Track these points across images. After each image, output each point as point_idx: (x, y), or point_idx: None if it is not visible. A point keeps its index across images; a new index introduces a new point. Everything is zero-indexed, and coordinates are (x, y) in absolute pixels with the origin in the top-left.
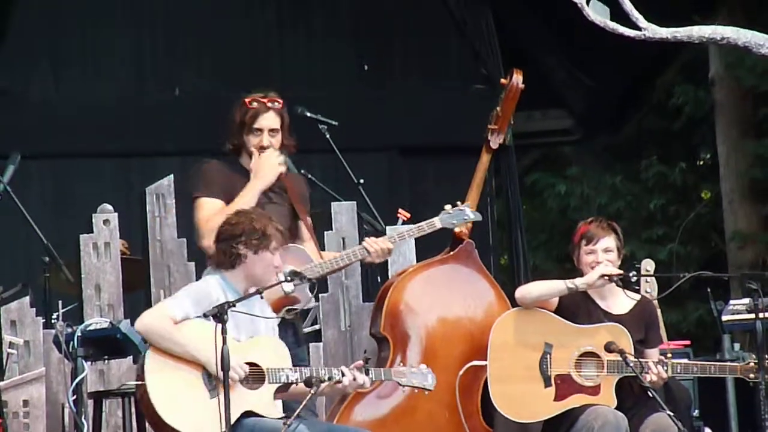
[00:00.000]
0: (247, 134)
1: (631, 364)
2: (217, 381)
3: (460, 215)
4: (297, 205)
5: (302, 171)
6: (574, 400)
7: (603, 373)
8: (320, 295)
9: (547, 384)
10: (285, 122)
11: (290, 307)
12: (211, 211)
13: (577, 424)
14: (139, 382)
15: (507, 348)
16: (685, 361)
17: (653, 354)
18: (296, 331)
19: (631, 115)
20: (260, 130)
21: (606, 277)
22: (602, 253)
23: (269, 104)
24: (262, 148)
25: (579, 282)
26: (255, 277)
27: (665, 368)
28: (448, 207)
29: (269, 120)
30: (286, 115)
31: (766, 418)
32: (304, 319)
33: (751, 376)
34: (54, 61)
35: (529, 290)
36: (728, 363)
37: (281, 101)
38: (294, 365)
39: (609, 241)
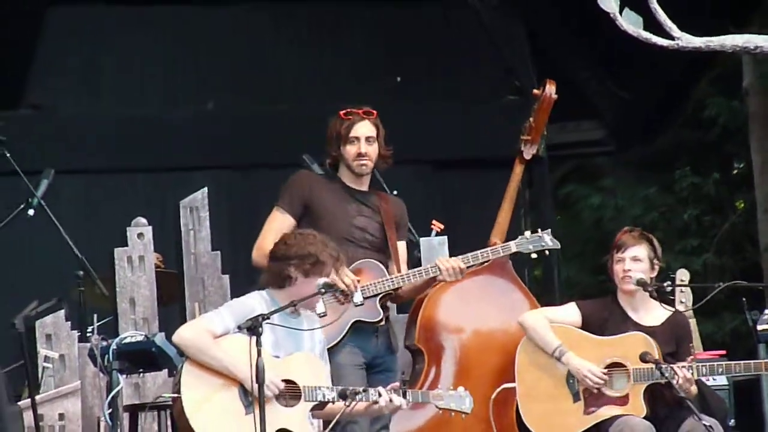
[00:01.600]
0: (344, 145)
1: (667, 373)
2: (253, 397)
3: (538, 242)
4: (387, 225)
5: (395, 192)
6: (604, 412)
7: (630, 382)
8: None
9: (576, 399)
10: (380, 132)
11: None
12: (274, 226)
13: None
14: (175, 395)
15: (533, 366)
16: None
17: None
18: (389, 340)
19: (665, 127)
20: (357, 138)
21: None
22: (630, 262)
23: (364, 114)
24: (359, 156)
25: (566, 360)
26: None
27: (690, 371)
28: (527, 233)
29: (365, 128)
30: (381, 125)
31: None
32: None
33: None
34: (85, 78)
35: (530, 325)
36: (753, 361)
37: (375, 112)
38: (383, 372)
39: (638, 251)
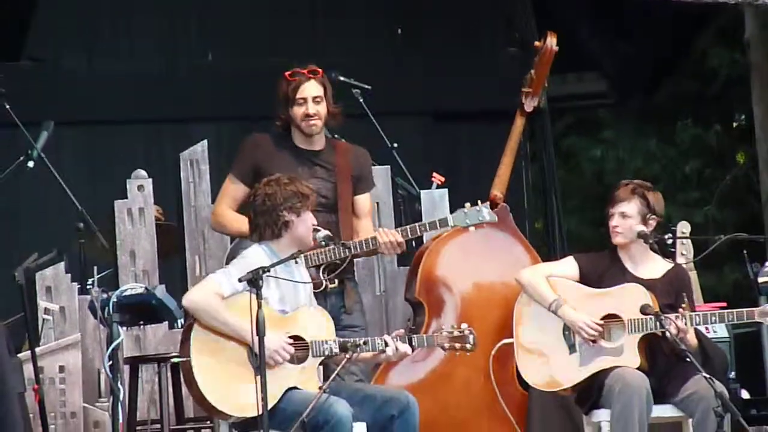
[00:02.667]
0: (291, 106)
1: (666, 325)
2: (256, 353)
3: (476, 215)
4: (341, 183)
5: (335, 135)
6: (599, 364)
7: (626, 333)
8: (355, 260)
9: (572, 351)
10: (328, 90)
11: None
12: (227, 193)
13: (604, 389)
14: (184, 358)
15: (530, 320)
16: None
17: None
18: (342, 300)
19: (666, 79)
20: (304, 99)
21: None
22: (618, 217)
23: (309, 74)
24: (307, 116)
25: (561, 312)
26: (300, 240)
27: (683, 320)
28: (467, 205)
29: (311, 89)
30: (328, 83)
31: None
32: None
33: None
34: (86, 30)
35: (526, 281)
36: (746, 309)
37: (320, 70)
38: (340, 329)
39: (627, 206)
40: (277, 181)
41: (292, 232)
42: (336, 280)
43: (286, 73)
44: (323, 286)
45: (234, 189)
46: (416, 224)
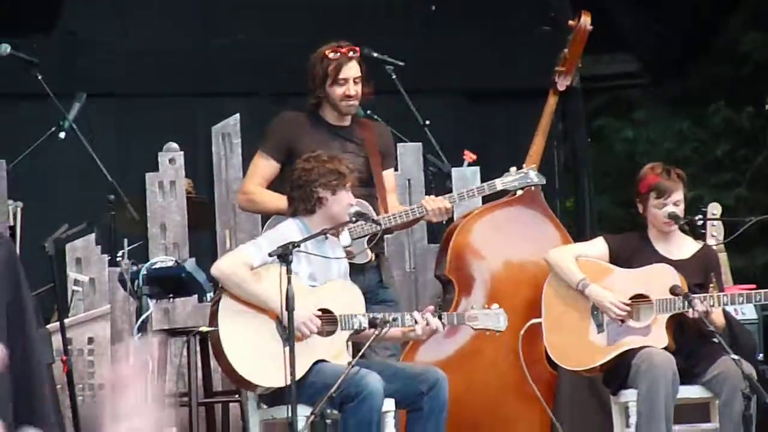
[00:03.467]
0: (331, 85)
1: (696, 306)
2: (286, 326)
3: (524, 178)
4: (372, 158)
5: (368, 111)
6: (627, 343)
7: (654, 313)
8: (385, 237)
9: (600, 330)
10: (363, 70)
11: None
12: (255, 173)
13: (632, 370)
14: (212, 328)
15: (559, 299)
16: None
17: None
18: (381, 273)
19: (699, 60)
20: (345, 80)
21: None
22: (673, 206)
23: (350, 53)
24: (347, 97)
25: (589, 292)
26: (334, 218)
27: (711, 301)
28: (513, 169)
29: (353, 69)
30: (363, 63)
31: None
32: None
33: None
34: (119, 3)
35: (555, 261)
36: None
37: (359, 49)
38: (376, 303)
39: (680, 194)
40: (316, 157)
41: (325, 210)
42: (373, 257)
43: (326, 51)
44: (369, 258)
45: (264, 166)
46: (464, 190)
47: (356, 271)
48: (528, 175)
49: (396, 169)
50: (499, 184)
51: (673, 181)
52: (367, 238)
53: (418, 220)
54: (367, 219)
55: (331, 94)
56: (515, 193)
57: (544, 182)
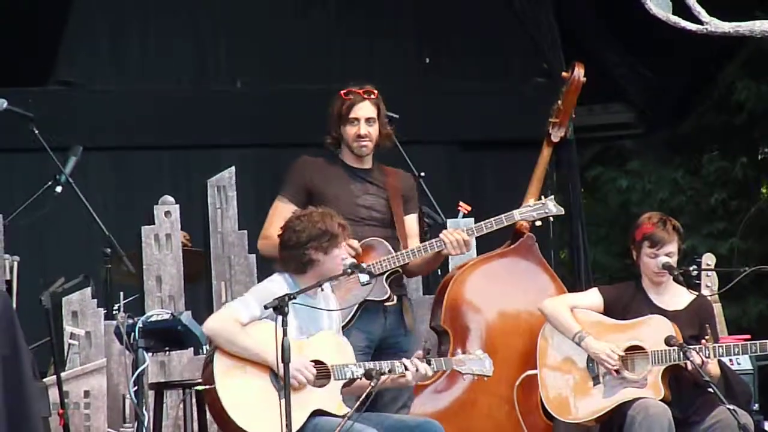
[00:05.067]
0: (344, 125)
1: (690, 357)
2: (282, 378)
3: (542, 209)
4: (393, 200)
5: (422, 174)
6: (623, 395)
7: (649, 365)
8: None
9: (596, 382)
10: (381, 112)
11: (366, 298)
12: (278, 215)
13: (627, 420)
14: (208, 386)
15: (554, 351)
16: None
17: None
18: (401, 319)
19: (693, 110)
20: (357, 119)
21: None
22: (665, 257)
23: (364, 95)
24: (359, 137)
25: (585, 344)
26: (325, 276)
27: (706, 352)
28: (531, 200)
29: (365, 110)
30: (382, 105)
31: None
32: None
33: None
34: (115, 55)
35: (550, 311)
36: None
37: (376, 92)
38: (396, 353)
39: (673, 246)
40: (308, 216)
41: (318, 270)
42: (394, 297)
43: (342, 92)
44: (388, 295)
45: (285, 210)
46: (482, 222)
47: (376, 313)
48: (546, 205)
49: None
50: (517, 214)
51: (668, 233)
52: (386, 275)
53: (439, 257)
54: (363, 270)
55: (343, 134)
56: (510, 244)
57: (563, 212)
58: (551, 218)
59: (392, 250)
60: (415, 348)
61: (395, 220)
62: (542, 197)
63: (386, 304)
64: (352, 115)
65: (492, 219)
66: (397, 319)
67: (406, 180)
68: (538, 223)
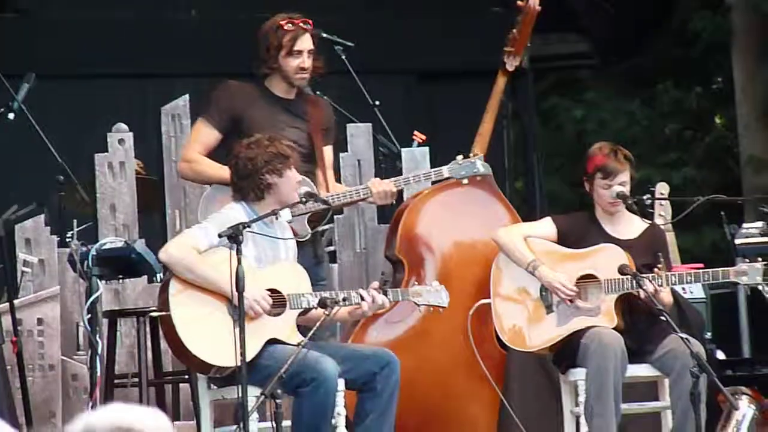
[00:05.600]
0: (285, 57)
1: (644, 285)
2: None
3: (470, 167)
4: (314, 133)
5: (317, 92)
6: (576, 323)
7: (602, 293)
8: (335, 217)
9: (549, 311)
10: (316, 45)
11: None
12: (197, 141)
13: (580, 348)
14: (164, 313)
15: (508, 280)
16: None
17: None
18: (316, 249)
19: (649, 41)
20: (300, 52)
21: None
22: (618, 187)
23: (304, 26)
24: (302, 69)
25: (539, 273)
26: (285, 199)
27: (659, 280)
28: (459, 157)
29: (307, 42)
30: (315, 38)
31: None
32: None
33: (744, 279)
34: None
35: (504, 240)
36: (721, 269)
37: (311, 22)
38: (312, 283)
39: (625, 176)
40: (257, 142)
41: (275, 194)
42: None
43: (281, 21)
44: (307, 236)
45: (207, 134)
46: (410, 175)
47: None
48: (475, 164)
49: (345, 150)
50: (446, 171)
51: (620, 163)
52: (307, 216)
53: (362, 201)
54: (318, 199)
55: (284, 65)
56: None
57: (490, 173)
58: (478, 177)
59: (316, 188)
60: (324, 275)
61: (317, 155)
62: (471, 154)
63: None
64: (296, 48)
65: (421, 173)
66: (311, 250)
67: (326, 108)
68: (465, 181)
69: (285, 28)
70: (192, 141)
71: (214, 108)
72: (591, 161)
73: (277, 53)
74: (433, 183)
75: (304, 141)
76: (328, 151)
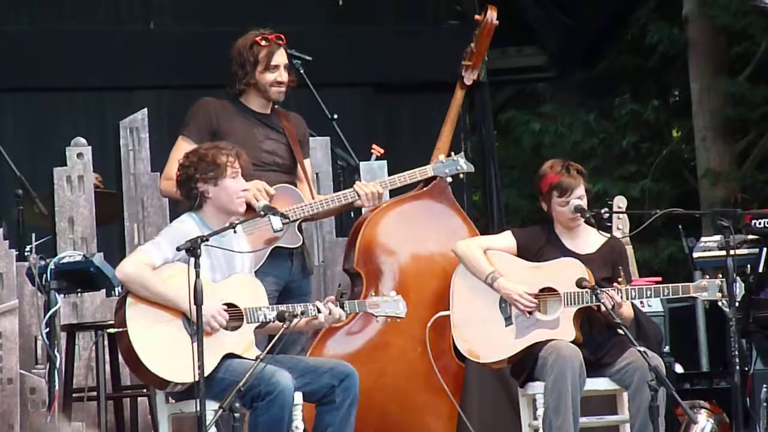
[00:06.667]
0: (263, 72)
1: (602, 299)
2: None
3: (453, 165)
4: (294, 146)
5: (275, 106)
6: (534, 336)
7: (561, 306)
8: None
9: (508, 323)
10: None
11: (278, 245)
12: (180, 156)
13: (538, 361)
14: (120, 329)
15: (467, 291)
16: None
17: None
18: (304, 262)
19: (605, 52)
20: (277, 66)
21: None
22: (576, 200)
23: (278, 40)
24: (279, 83)
25: (497, 285)
26: (224, 208)
27: (619, 294)
28: (441, 156)
29: (283, 56)
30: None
31: (736, 354)
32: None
33: (704, 294)
34: None
35: (463, 252)
36: (681, 284)
37: (284, 37)
38: (295, 296)
39: (581, 190)
40: (195, 152)
41: (212, 202)
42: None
43: (256, 38)
44: (300, 242)
45: (188, 149)
46: (396, 176)
47: (284, 257)
48: (458, 162)
49: None
50: (431, 170)
51: (573, 178)
52: (297, 223)
53: (350, 206)
54: (276, 212)
55: (261, 80)
56: (423, 187)
57: (473, 170)
58: (461, 175)
59: (302, 197)
60: (312, 289)
61: (298, 165)
62: (452, 153)
63: (293, 248)
64: (273, 63)
65: (406, 173)
66: (300, 262)
67: (299, 123)
68: (449, 179)
69: (261, 44)
70: (173, 159)
71: (193, 125)
72: (544, 181)
73: (253, 69)
74: (395, 191)
75: (283, 152)
76: (307, 164)
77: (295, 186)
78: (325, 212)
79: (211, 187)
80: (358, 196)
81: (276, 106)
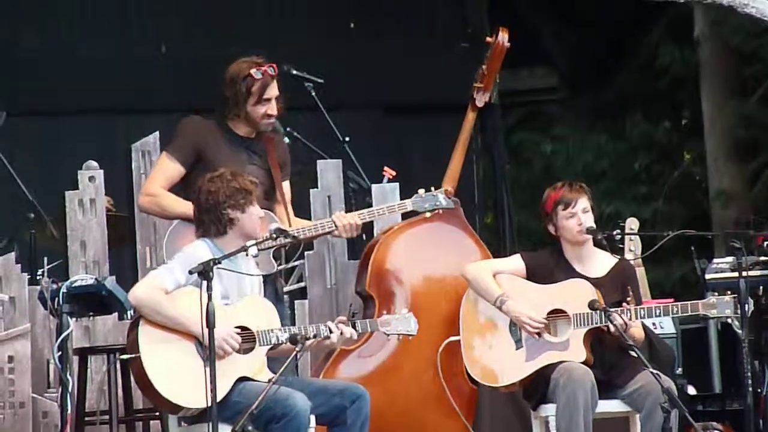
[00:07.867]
0: (254, 105)
1: (615, 323)
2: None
3: (433, 200)
4: (274, 170)
5: (288, 129)
6: (545, 358)
7: (571, 328)
8: (306, 252)
9: (518, 346)
10: (280, 87)
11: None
12: (161, 175)
13: (550, 384)
14: (133, 355)
15: (477, 315)
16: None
17: None
18: (276, 287)
19: (616, 74)
20: (269, 99)
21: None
22: (582, 214)
23: (271, 72)
24: (269, 116)
25: (506, 308)
26: (249, 234)
27: (628, 314)
28: (421, 191)
29: (275, 89)
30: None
31: (749, 376)
32: (285, 277)
33: (713, 312)
34: (41, 18)
35: (472, 276)
36: (690, 302)
37: (276, 66)
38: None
39: (585, 201)
40: (220, 177)
41: (238, 229)
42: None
43: (249, 70)
44: (275, 270)
45: (171, 169)
46: (374, 208)
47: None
48: (437, 197)
49: (316, 186)
50: (410, 204)
51: (576, 191)
52: (272, 250)
53: (327, 234)
54: (288, 235)
55: (252, 113)
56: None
57: (453, 207)
58: (440, 211)
59: (279, 223)
60: (286, 313)
61: (277, 190)
62: (432, 188)
63: (266, 276)
64: (266, 96)
65: (385, 206)
66: (272, 287)
67: (280, 144)
68: (428, 215)
69: (254, 76)
70: (155, 175)
71: (179, 142)
72: (549, 200)
73: (245, 102)
74: (402, 216)
75: (263, 178)
76: (286, 186)
77: (273, 210)
78: (304, 239)
79: (239, 213)
80: (336, 227)
81: (288, 132)
